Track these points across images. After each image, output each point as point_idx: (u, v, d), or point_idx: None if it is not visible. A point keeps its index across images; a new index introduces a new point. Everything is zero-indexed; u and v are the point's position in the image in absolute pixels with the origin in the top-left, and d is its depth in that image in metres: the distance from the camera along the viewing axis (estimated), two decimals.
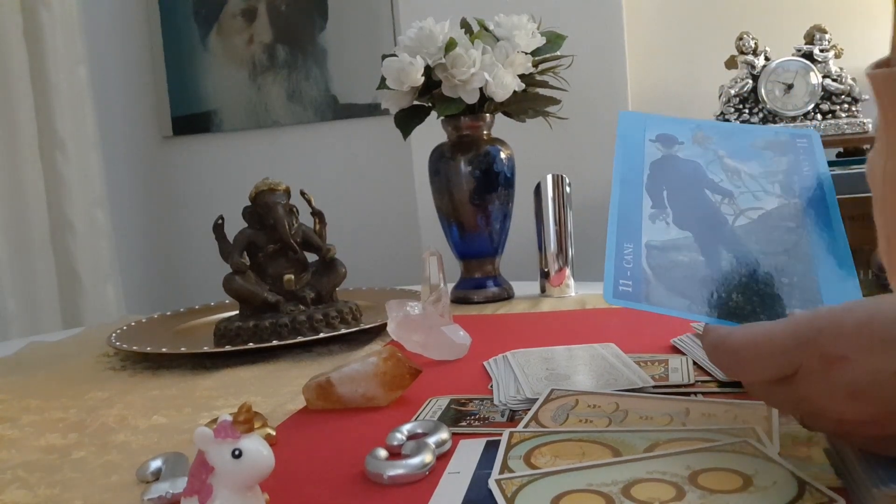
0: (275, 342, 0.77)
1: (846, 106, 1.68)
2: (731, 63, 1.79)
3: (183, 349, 0.78)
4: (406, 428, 0.48)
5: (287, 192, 0.86)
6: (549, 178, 1.00)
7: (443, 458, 0.44)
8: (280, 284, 0.84)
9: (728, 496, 0.35)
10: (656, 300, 0.44)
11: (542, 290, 1.01)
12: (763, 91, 1.70)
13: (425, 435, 0.46)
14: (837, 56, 1.70)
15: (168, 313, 1.00)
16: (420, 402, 0.55)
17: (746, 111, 1.72)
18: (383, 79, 0.98)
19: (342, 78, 2.17)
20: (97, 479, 0.47)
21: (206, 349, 0.78)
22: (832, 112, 1.68)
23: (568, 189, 1.00)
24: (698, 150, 0.53)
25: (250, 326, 0.80)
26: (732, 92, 1.72)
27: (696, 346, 0.63)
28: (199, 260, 2.13)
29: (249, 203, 0.85)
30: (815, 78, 1.68)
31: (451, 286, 0.98)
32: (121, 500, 0.44)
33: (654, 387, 0.54)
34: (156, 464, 0.46)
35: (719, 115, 1.74)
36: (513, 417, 0.51)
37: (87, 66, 1.84)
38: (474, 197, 1.00)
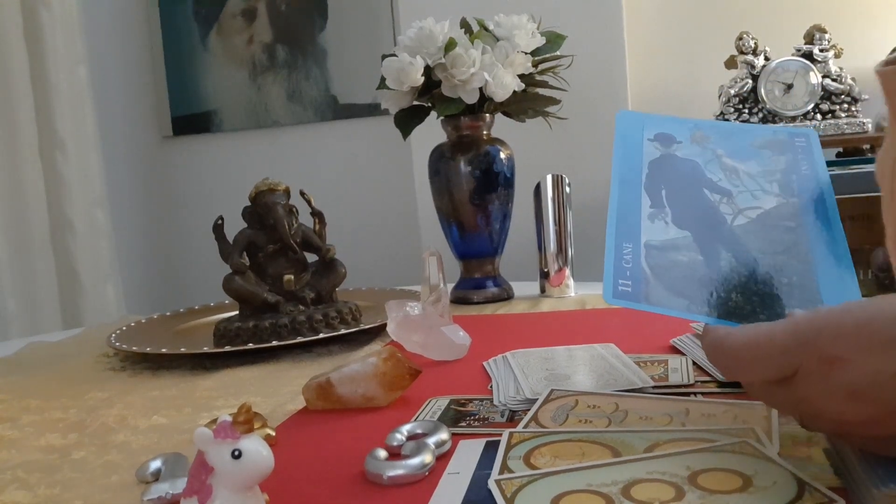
0: (275, 342, 0.77)
1: (846, 106, 1.68)
2: (730, 63, 1.79)
3: (183, 349, 0.78)
4: (406, 428, 0.48)
5: (287, 192, 0.86)
6: (549, 178, 1.00)
7: (442, 458, 0.44)
8: (280, 284, 0.84)
9: (728, 496, 0.35)
10: (656, 300, 0.44)
11: (542, 290, 1.01)
12: (763, 91, 1.70)
13: (425, 435, 0.46)
14: (837, 56, 1.70)
15: (168, 313, 1.00)
16: (420, 403, 0.55)
17: (746, 111, 1.72)
18: (383, 79, 0.98)
19: (342, 78, 2.17)
20: (97, 479, 0.47)
21: (205, 349, 0.78)
22: (832, 112, 1.68)
23: (568, 189, 1.00)
24: (697, 150, 0.53)
25: (250, 327, 0.80)
26: (732, 92, 1.72)
27: (695, 346, 0.64)
28: (199, 260, 2.13)
29: (249, 203, 0.85)
30: (815, 78, 1.68)
31: (450, 286, 0.98)
32: (121, 500, 0.44)
33: (654, 387, 0.54)
34: (156, 464, 0.46)
35: (719, 115, 1.74)
36: (512, 418, 0.51)
37: (87, 66, 1.84)
38: (474, 197, 1.00)
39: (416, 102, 1.00)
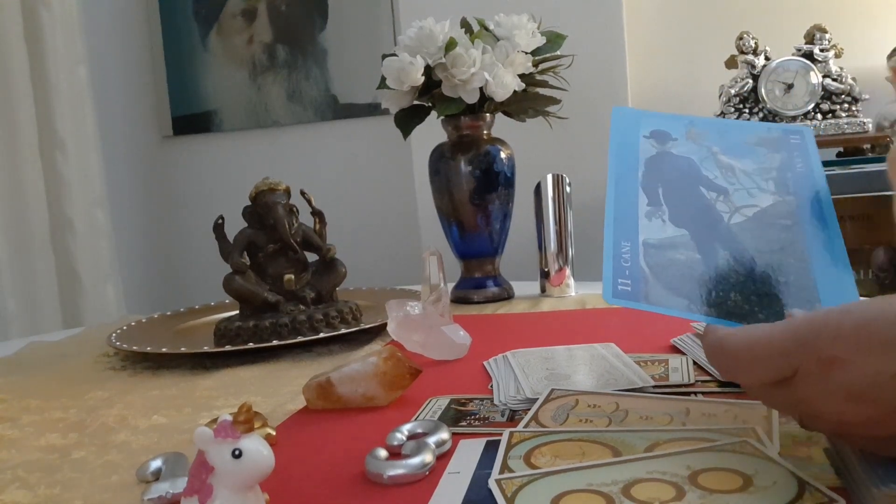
0: (275, 342, 0.77)
1: (846, 105, 1.67)
2: (731, 63, 1.79)
3: (183, 349, 0.78)
4: (406, 428, 0.48)
5: (287, 192, 0.86)
6: (549, 178, 1.00)
7: (443, 458, 0.44)
8: (280, 284, 0.84)
9: (728, 496, 0.35)
10: (655, 299, 0.44)
11: (542, 290, 1.01)
12: (763, 91, 1.70)
13: (425, 435, 0.46)
14: (837, 56, 1.70)
15: (168, 313, 1.00)
16: (420, 402, 0.55)
17: (746, 111, 1.72)
18: (383, 79, 0.98)
19: (342, 78, 2.17)
20: (97, 479, 0.47)
21: (206, 349, 0.78)
22: (832, 112, 1.68)
23: (568, 189, 1.00)
24: (692, 147, 0.53)
25: (250, 326, 0.80)
26: (732, 92, 1.72)
27: (696, 346, 0.63)
28: (199, 260, 2.13)
29: (249, 203, 0.85)
30: (815, 77, 1.68)
31: (451, 286, 0.98)
32: (121, 500, 0.44)
33: (654, 387, 0.54)
34: (156, 464, 0.46)
35: (719, 115, 1.74)
36: (513, 417, 0.51)
37: (87, 66, 1.84)
38: (474, 197, 1.00)
39: (416, 102, 1.00)
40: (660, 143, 0.53)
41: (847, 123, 1.66)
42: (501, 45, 0.95)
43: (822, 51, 1.69)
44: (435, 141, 1.03)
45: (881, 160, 1.56)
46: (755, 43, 1.74)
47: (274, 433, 0.51)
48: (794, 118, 1.69)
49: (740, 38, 1.75)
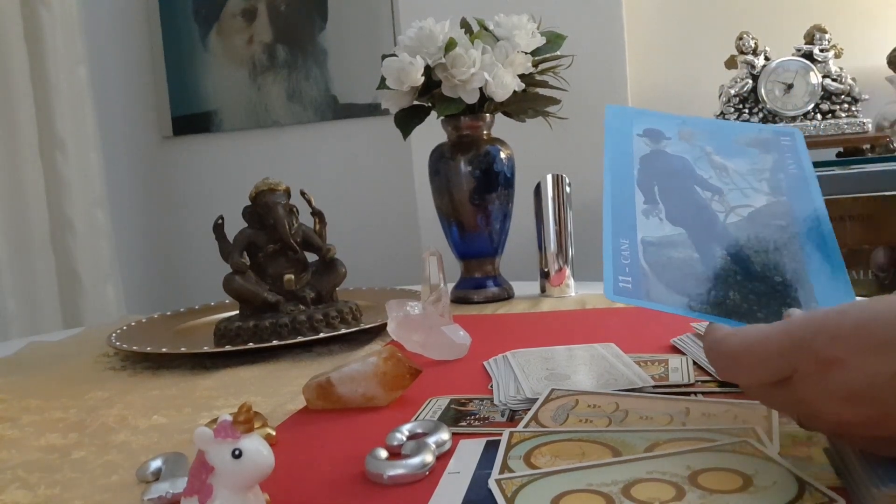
0: (275, 342, 0.77)
1: (846, 106, 1.68)
2: (731, 63, 1.79)
3: (183, 349, 0.78)
4: (406, 428, 0.48)
5: (287, 192, 0.86)
6: (549, 178, 1.00)
7: (443, 458, 0.44)
8: (280, 284, 0.84)
9: (728, 496, 0.35)
10: (656, 297, 0.44)
11: (542, 290, 1.01)
12: (763, 91, 1.70)
13: (425, 435, 0.46)
14: (837, 56, 1.70)
15: (168, 313, 1.00)
16: (420, 402, 0.55)
17: (746, 111, 1.72)
18: (383, 79, 0.98)
19: (342, 78, 2.17)
20: (97, 479, 0.47)
21: (206, 349, 0.78)
22: (832, 112, 1.68)
23: (568, 189, 1.00)
24: (685, 146, 0.53)
25: (250, 326, 0.80)
26: (732, 92, 1.72)
27: (696, 346, 0.63)
28: (199, 260, 2.13)
29: (249, 203, 0.85)
30: (815, 78, 1.68)
31: (451, 286, 0.98)
32: (121, 500, 0.44)
33: (654, 387, 0.54)
34: (156, 464, 0.46)
35: (719, 115, 1.74)
36: (513, 417, 0.51)
37: (87, 66, 1.84)
38: (474, 197, 1.00)
39: (416, 102, 1.00)
40: (653, 141, 0.53)
41: (847, 124, 1.66)
42: (501, 45, 0.95)
43: (821, 51, 1.69)
44: (435, 141, 1.03)
45: (881, 160, 1.56)
46: (755, 43, 1.74)
47: (274, 433, 0.51)
48: (793, 118, 1.69)
49: (740, 38, 1.75)
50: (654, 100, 1.97)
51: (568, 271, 1.00)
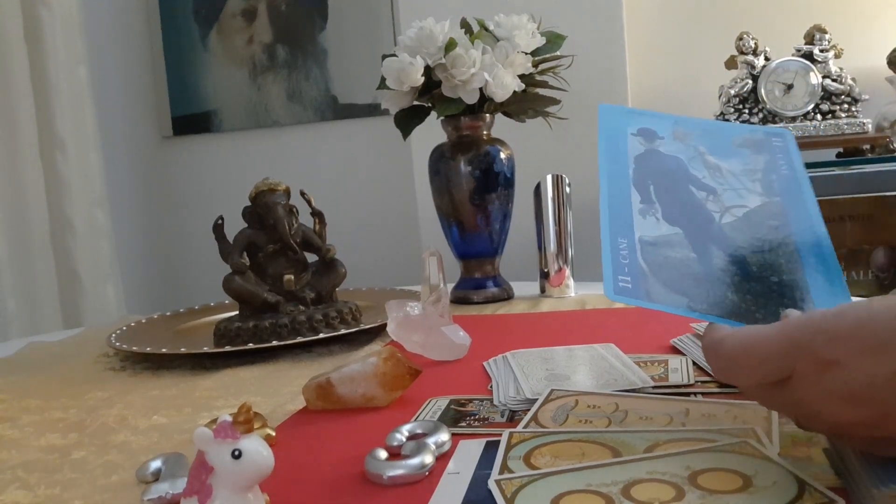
0: (275, 342, 0.77)
1: (846, 106, 1.67)
2: (731, 63, 1.79)
3: (183, 349, 0.78)
4: (406, 428, 0.48)
5: (287, 192, 0.86)
6: (549, 178, 1.00)
7: (442, 458, 0.44)
8: (280, 284, 0.84)
9: (728, 496, 0.35)
10: (656, 297, 0.44)
11: (542, 290, 1.01)
12: (763, 91, 1.70)
13: (425, 435, 0.46)
14: (837, 56, 1.70)
15: (168, 313, 1.00)
16: (420, 403, 0.55)
17: (746, 111, 1.72)
18: (383, 79, 0.98)
19: (342, 78, 2.17)
20: (97, 479, 0.47)
21: (206, 349, 0.78)
22: (832, 112, 1.68)
23: (568, 189, 1.00)
24: (679, 146, 0.53)
25: (250, 327, 0.80)
26: (732, 92, 1.72)
27: (695, 346, 0.63)
28: (199, 260, 2.13)
29: (249, 203, 0.85)
30: (815, 78, 1.68)
31: (450, 286, 0.98)
32: (121, 500, 0.44)
33: (654, 387, 0.54)
34: (156, 464, 0.46)
35: (719, 115, 1.74)
36: (512, 418, 0.51)
37: (87, 66, 1.84)
38: (474, 197, 1.00)
39: (416, 102, 1.00)
40: (647, 140, 0.53)
41: (847, 124, 1.66)
42: (501, 45, 0.95)
43: (821, 51, 1.69)
44: (435, 141, 1.03)
45: (881, 160, 1.56)
46: (755, 43, 1.74)
47: (274, 433, 0.51)
48: (793, 119, 1.69)
49: (740, 39, 1.75)
50: (654, 100, 1.97)
51: (568, 271, 1.00)
